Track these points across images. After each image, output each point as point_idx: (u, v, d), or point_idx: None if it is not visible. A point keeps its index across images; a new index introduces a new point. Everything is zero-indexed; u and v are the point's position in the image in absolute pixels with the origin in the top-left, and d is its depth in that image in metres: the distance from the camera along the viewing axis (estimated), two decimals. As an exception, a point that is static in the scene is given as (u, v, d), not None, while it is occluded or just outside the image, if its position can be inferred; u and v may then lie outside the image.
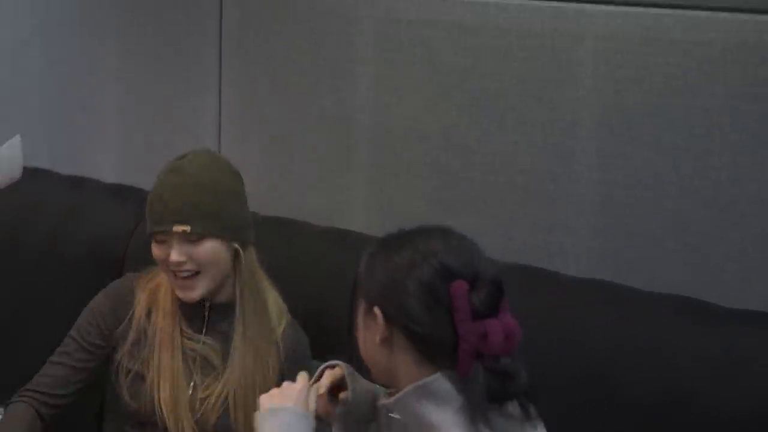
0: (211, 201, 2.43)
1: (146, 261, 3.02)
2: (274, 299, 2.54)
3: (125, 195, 3.24)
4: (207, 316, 2.51)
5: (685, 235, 2.51)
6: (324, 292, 2.72)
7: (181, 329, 2.49)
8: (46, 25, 3.56)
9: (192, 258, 2.41)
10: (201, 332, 2.50)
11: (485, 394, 1.81)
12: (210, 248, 2.42)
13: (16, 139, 2.68)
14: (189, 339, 2.49)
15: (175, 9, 3.27)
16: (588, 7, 2.54)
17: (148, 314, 2.52)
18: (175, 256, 2.41)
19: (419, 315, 1.83)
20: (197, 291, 2.44)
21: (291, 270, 2.74)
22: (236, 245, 2.46)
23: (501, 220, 2.74)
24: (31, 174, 3.44)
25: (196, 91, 3.25)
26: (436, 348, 1.84)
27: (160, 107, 3.34)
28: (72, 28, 3.50)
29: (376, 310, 1.87)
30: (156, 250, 2.46)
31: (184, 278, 2.43)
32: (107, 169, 3.45)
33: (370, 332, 1.90)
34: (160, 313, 2.50)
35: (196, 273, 2.43)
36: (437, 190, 2.84)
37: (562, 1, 2.58)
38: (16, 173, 2.71)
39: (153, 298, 2.53)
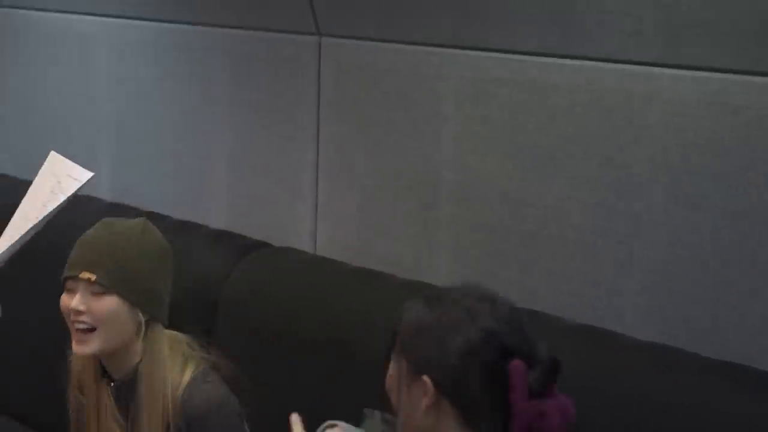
0: (126, 260, 2.41)
1: (239, 306, 3.14)
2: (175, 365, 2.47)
3: (225, 241, 3.37)
4: (113, 393, 2.48)
5: (749, 303, 2.49)
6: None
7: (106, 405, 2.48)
8: (165, 75, 3.72)
9: (91, 310, 2.39)
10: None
11: None
12: (111, 305, 2.39)
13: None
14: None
15: (277, 66, 3.38)
16: (656, 70, 2.55)
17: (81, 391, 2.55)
18: (74, 302, 2.39)
19: (475, 391, 1.85)
20: (89, 346, 2.40)
21: (369, 320, 2.81)
22: (141, 315, 2.42)
23: (578, 281, 2.75)
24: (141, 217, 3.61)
25: (296, 146, 3.34)
26: (486, 422, 1.86)
27: (263, 159, 3.45)
28: (187, 78, 3.65)
29: (427, 378, 1.87)
30: (63, 299, 2.44)
31: (80, 330, 2.40)
32: (214, 215, 3.57)
33: (413, 396, 1.90)
34: (87, 390, 2.52)
35: (93, 329, 2.40)
36: (515, 247, 2.87)
37: (634, 64, 2.59)
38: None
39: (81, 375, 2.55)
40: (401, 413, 1.96)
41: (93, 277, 2.38)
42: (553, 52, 2.73)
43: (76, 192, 2.74)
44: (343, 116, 3.22)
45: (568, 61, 2.71)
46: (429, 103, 3.01)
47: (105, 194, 3.90)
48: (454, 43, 2.94)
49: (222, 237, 3.40)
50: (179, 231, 3.47)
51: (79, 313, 2.39)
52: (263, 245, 3.32)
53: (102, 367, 2.50)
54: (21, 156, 4.26)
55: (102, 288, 2.39)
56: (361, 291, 2.93)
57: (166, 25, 3.70)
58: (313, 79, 3.27)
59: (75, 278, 2.41)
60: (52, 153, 2.78)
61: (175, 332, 2.52)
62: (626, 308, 2.65)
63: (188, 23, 3.62)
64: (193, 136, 3.65)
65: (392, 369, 1.98)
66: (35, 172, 3.99)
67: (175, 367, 2.45)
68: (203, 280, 3.22)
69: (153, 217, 3.55)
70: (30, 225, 2.70)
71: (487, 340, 1.85)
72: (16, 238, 2.69)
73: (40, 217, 2.70)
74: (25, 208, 2.74)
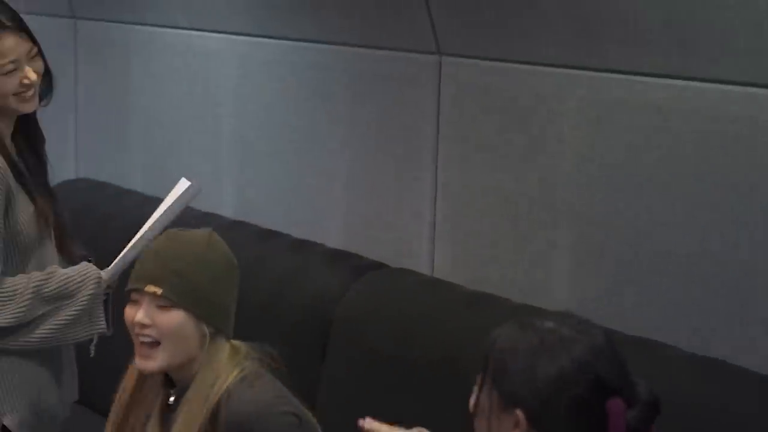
0: (192, 273, 2.37)
1: (353, 325, 3.13)
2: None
3: (342, 260, 3.36)
4: (169, 402, 2.44)
5: None
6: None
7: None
8: (288, 93, 3.73)
9: (156, 324, 2.35)
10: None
11: None
12: (177, 319, 2.35)
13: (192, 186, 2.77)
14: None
15: (397, 85, 3.36)
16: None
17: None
18: (140, 316, 2.36)
19: (567, 426, 1.80)
20: (155, 362, 2.37)
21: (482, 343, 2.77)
22: (206, 328, 2.38)
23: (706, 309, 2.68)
24: (262, 235, 3.64)
25: (414, 166, 3.32)
26: None
27: (382, 179, 3.43)
28: (310, 97, 3.65)
29: (519, 413, 1.82)
30: (127, 311, 2.41)
31: (145, 344, 2.37)
32: (333, 234, 3.57)
33: (502, 426, 1.84)
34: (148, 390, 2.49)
35: (157, 343, 2.37)
36: (636, 273, 2.81)
37: (759, 87, 2.52)
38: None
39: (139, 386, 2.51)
40: None
41: (159, 291, 2.35)
42: (677, 74, 2.66)
43: (187, 203, 2.77)
44: (462, 136, 3.19)
45: (691, 83, 2.64)
46: (548, 124, 2.96)
47: (228, 212, 3.93)
48: (574, 63, 2.89)
49: (339, 256, 3.40)
50: (298, 249, 3.48)
51: (143, 326, 2.36)
52: (379, 266, 3.30)
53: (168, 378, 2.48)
54: (148, 172, 4.32)
55: (168, 302, 2.35)
56: (475, 314, 2.90)
57: (290, 43, 3.71)
58: (433, 98, 3.25)
59: (140, 291, 2.39)
60: (182, 179, 2.81)
61: (238, 343, 2.47)
62: (758, 339, 2.57)
63: (312, 41, 3.62)
64: (314, 155, 3.65)
65: (482, 396, 1.91)
66: (162, 189, 4.07)
67: (229, 377, 2.40)
68: (319, 298, 3.23)
69: (273, 235, 3.61)
70: (138, 236, 2.75)
71: (581, 372, 1.80)
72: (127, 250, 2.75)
73: (146, 227, 2.74)
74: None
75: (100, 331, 2.77)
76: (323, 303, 3.21)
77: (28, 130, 2.85)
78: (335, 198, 3.58)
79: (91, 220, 4.02)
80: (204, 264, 2.39)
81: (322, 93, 3.61)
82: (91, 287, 2.73)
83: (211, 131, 4.04)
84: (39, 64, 2.76)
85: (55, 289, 2.70)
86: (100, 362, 2.79)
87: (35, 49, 2.75)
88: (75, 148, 4.66)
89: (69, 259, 2.85)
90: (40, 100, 2.82)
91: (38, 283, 2.69)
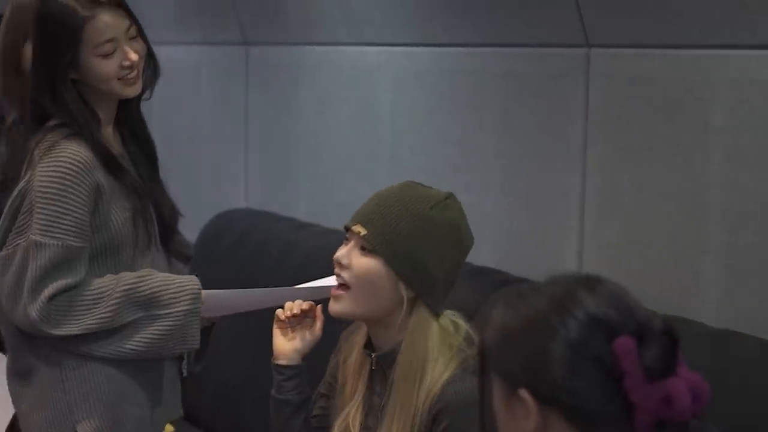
0: (402, 226, 2.22)
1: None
2: (441, 357, 2.23)
3: (482, 277, 3.10)
4: (371, 368, 2.30)
5: None
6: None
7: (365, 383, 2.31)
8: (440, 103, 3.51)
9: (351, 265, 2.23)
10: (374, 387, 2.29)
11: None
12: (370, 265, 2.22)
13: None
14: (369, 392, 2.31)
15: (545, 84, 3.11)
16: None
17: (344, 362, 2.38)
18: (339, 253, 2.26)
19: (584, 393, 1.50)
20: (340, 305, 2.26)
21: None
22: (405, 290, 2.22)
23: None
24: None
25: (562, 170, 3.04)
26: (604, 424, 1.49)
27: (532, 188, 3.16)
28: (461, 105, 3.42)
29: (523, 393, 1.53)
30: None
31: (338, 285, 2.26)
32: (483, 251, 3.29)
33: (516, 419, 1.55)
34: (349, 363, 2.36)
35: (348, 287, 2.24)
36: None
37: None
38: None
39: (349, 350, 2.39)
40: None
41: (363, 232, 2.23)
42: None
43: (322, 296, 2.57)
44: (611, 135, 2.90)
45: None
46: (697, 114, 2.64)
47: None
48: (725, 42, 2.56)
49: (479, 273, 3.12)
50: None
51: (340, 266, 2.26)
52: (519, 280, 3.01)
53: (369, 340, 2.34)
54: (313, 200, 4.14)
55: (369, 245, 2.22)
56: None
57: (442, 49, 3.49)
58: (582, 95, 2.96)
59: (350, 230, 2.27)
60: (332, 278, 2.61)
61: (455, 321, 2.29)
62: None
63: (460, 45, 3.40)
64: (464, 169, 3.40)
65: (492, 394, 1.61)
66: (324, 217, 3.90)
67: (440, 359, 2.23)
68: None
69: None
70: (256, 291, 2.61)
71: (588, 329, 1.50)
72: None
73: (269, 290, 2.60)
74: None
75: (190, 348, 2.57)
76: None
77: (131, 120, 2.68)
78: (486, 212, 3.31)
79: (245, 245, 3.89)
80: (420, 221, 2.23)
81: (472, 100, 3.37)
82: (187, 301, 2.53)
83: (370, 153, 3.83)
84: (140, 45, 2.57)
85: (148, 293, 2.51)
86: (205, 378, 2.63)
87: (134, 28, 2.56)
88: (245, 177, 4.53)
89: (171, 258, 2.68)
90: (144, 89, 2.65)
91: (129, 285, 2.50)
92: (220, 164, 4.68)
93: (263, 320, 3.44)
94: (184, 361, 2.70)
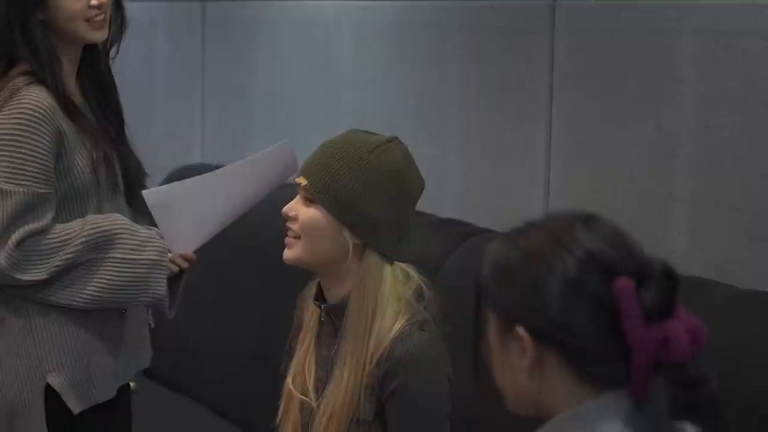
0: (343, 172, 2.19)
1: (453, 291, 2.86)
2: (393, 310, 2.22)
3: (446, 228, 3.11)
4: (320, 319, 2.30)
5: None
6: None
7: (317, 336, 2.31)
8: (402, 58, 3.50)
9: (299, 217, 2.22)
10: (322, 339, 2.31)
11: (668, 412, 1.45)
12: (313, 215, 2.20)
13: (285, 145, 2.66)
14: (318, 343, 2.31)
15: (510, 38, 3.12)
16: None
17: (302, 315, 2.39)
18: (286, 207, 2.25)
19: (582, 332, 1.49)
20: (291, 252, 2.23)
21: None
22: (350, 237, 2.21)
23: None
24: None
25: (528, 124, 3.05)
26: (600, 365, 1.49)
27: (495, 141, 3.17)
28: (424, 59, 3.42)
29: (520, 330, 1.52)
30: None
31: (289, 237, 2.25)
32: (448, 203, 3.30)
33: (511, 357, 1.54)
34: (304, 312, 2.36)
35: (298, 238, 2.23)
36: (764, 227, 2.47)
37: None
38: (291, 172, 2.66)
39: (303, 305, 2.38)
40: (502, 382, 1.58)
41: (304, 182, 2.22)
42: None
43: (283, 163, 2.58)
44: (576, 87, 2.91)
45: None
46: (662, 64, 2.65)
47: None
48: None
49: (444, 225, 3.13)
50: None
51: (287, 217, 2.25)
52: (485, 232, 3.02)
53: (322, 294, 2.33)
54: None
55: (311, 195, 2.21)
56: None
57: (405, 2, 3.48)
58: (547, 48, 2.97)
59: (297, 182, 2.26)
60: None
61: (407, 272, 2.28)
62: None
63: (424, -1, 3.40)
64: (427, 122, 3.40)
65: (487, 333, 1.59)
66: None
67: (389, 309, 2.21)
68: (419, 266, 2.96)
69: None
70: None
71: (585, 266, 1.48)
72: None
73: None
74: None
75: (154, 299, 2.55)
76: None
77: (98, 76, 2.66)
78: (449, 165, 3.31)
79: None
80: (360, 166, 2.19)
81: (435, 54, 3.37)
82: (152, 253, 2.52)
83: (330, 107, 3.82)
84: None
85: (111, 233, 2.49)
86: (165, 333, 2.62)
87: None
88: (202, 133, 4.51)
89: (137, 214, 2.65)
90: (111, 43, 2.62)
91: (95, 225, 2.48)
92: (176, 120, 4.65)
93: (222, 278, 3.45)
94: (150, 312, 2.69)
